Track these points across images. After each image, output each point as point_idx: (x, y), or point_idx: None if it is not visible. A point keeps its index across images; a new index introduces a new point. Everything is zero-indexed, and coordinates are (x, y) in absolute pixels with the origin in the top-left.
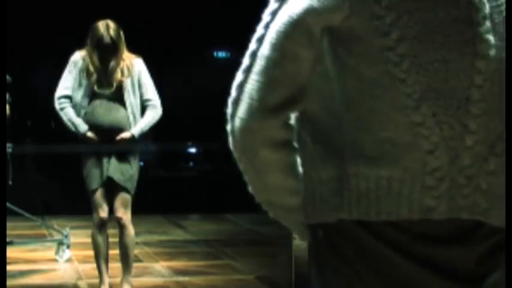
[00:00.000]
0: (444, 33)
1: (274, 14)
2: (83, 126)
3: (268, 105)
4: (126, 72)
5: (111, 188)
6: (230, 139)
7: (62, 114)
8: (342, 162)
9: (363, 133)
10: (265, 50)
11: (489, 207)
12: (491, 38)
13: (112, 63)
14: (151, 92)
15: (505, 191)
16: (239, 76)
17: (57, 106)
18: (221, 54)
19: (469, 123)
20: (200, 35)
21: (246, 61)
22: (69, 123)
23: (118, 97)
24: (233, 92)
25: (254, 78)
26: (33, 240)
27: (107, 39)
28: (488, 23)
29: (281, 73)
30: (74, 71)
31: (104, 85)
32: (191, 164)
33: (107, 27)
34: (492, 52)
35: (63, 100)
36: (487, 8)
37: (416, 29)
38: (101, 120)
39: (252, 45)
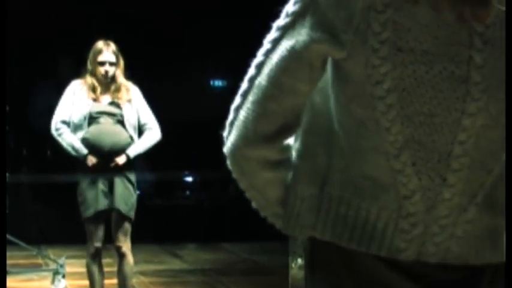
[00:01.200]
0: (436, 88)
1: (275, 42)
2: (83, 150)
3: (262, 135)
4: (128, 90)
5: (110, 216)
6: (228, 160)
7: (60, 139)
8: (326, 183)
9: (351, 162)
10: (262, 80)
11: (465, 251)
12: (483, 96)
13: (116, 77)
14: (148, 116)
15: (505, 200)
16: (237, 99)
17: (54, 133)
18: (217, 83)
19: (449, 177)
20: (197, 64)
21: (244, 85)
22: (69, 148)
23: (119, 118)
24: (230, 114)
25: (249, 107)
26: (29, 270)
27: (108, 52)
28: (485, 82)
29: (277, 106)
30: (70, 97)
31: (108, 100)
32: (188, 192)
33: (107, 44)
34: (481, 110)
35: (60, 125)
36: (488, 67)
37: (408, 81)
38: (103, 144)
39: (251, 70)
